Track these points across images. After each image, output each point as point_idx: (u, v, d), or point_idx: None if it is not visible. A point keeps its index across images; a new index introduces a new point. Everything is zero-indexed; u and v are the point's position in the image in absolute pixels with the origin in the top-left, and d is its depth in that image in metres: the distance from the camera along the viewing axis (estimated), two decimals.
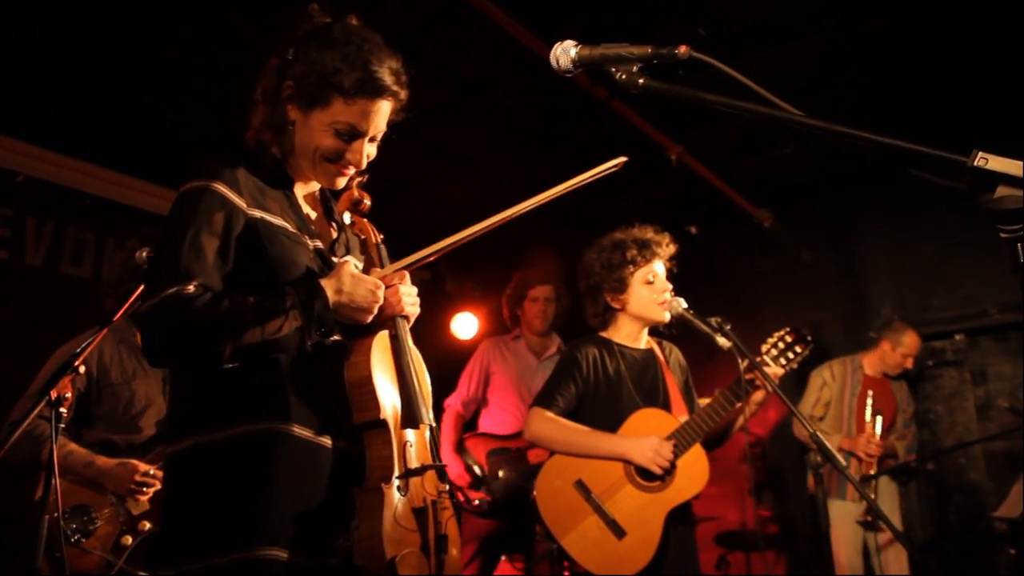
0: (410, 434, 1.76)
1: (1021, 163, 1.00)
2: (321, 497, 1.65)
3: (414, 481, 1.71)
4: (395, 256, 1.89)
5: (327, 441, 1.69)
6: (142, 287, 2.52)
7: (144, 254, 2.80)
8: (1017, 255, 1.01)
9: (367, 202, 1.92)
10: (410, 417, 1.71)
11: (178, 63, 4.30)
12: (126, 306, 2.52)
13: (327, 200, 2.00)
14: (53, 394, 2.26)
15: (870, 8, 4.03)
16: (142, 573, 2.74)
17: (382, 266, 1.89)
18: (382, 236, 1.95)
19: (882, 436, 4.82)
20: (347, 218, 1.97)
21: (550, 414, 2.93)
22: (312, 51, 1.75)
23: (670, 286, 3.04)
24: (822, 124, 1.17)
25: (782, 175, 6.10)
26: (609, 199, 5.45)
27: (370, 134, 1.80)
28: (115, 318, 2.52)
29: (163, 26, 3.98)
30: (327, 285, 1.70)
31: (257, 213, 1.73)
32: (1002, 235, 1.02)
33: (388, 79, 1.76)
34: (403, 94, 1.82)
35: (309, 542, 1.62)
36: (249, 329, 1.60)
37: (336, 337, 1.74)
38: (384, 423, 1.71)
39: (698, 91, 1.27)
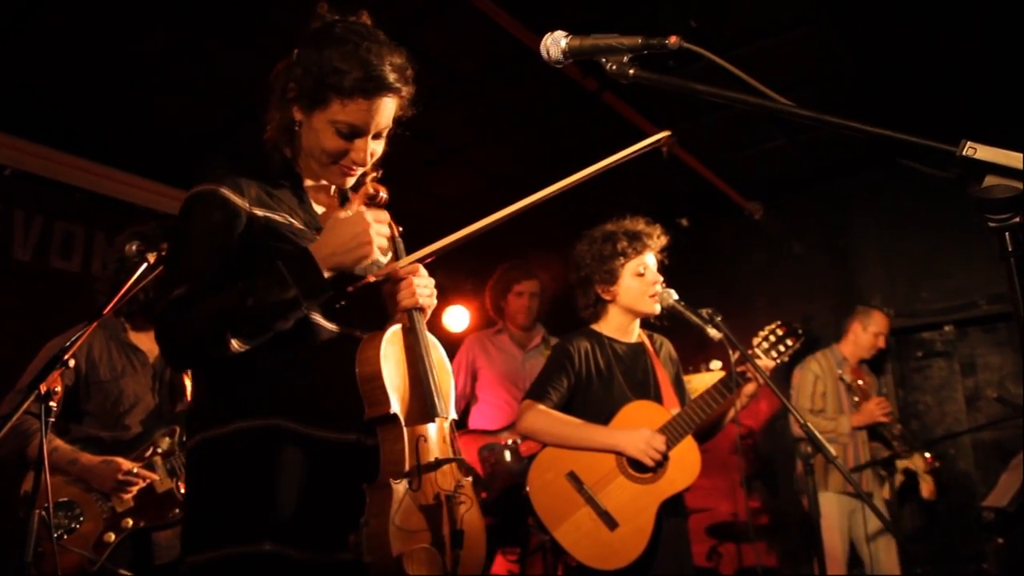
0: (427, 428, 1.75)
1: (1009, 152, 1.00)
2: (332, 493, 1.66)
3: (427, 476, 1.69)
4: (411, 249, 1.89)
5: (340, 436, 1.71)
6: (130, 282, 2.53)
7: (134, 248, 2.78)
8: (1005, 244, 1.02)
9: (383, 195, 1.90)
10: (426, 411, 1.71)
11: (168, 56, 4.27)
12: (115, 300, 2.51)
13: (344, 196, 1.99)
14: (42, 388, 2.24)
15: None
16: (124, 571, 2.73)
17: (398, 258, 1.89)
18: (400, 229, 1.94)
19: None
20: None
21: (542, 407, 2.93)
22: (313, 51, 1.76)
23: (661, 278, 3.04)
24: (812, 114, 1.17)
25: (773, 167, 6.11)
26: (600, 191, 5.46)
27: (372, 132, 1.79)
28: (104, 312, 2.50)
29: (152, 19, 3.95)
30: (312, 246, 1.71)
31: (261, 212, 1.75)
32: (990, 224, 1.02)
33: (389, 76, 1.75)
34: (406, 90, 1.82)
35: (319, 538, 1.63)
36: (246, 308, 1.62)
37: (342, 302, 1.76)
38: (395, 418, 1.69)
39: (688, 82, 1.27)
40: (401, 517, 1.60)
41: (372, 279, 1.84)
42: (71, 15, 3.89)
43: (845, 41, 4.43)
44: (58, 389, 2.29)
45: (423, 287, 1.84)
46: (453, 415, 1.83)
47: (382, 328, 1.78)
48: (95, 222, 5.19)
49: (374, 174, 1.92)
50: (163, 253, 2.59)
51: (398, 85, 1.78)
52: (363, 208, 1.77)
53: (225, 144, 5.04)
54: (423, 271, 1.86)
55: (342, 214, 1.76)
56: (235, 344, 1.62)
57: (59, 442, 2.83)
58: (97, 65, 4.33)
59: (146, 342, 3.10)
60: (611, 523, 2.79)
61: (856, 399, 4.97)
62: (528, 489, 2.89)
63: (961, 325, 5.87)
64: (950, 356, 6.00)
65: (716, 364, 3.58)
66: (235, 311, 1.62)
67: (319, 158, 1.81)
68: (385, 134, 1.85)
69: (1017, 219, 1.01)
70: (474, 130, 5.35)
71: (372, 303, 1.88)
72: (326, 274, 1.69)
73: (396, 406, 1.70)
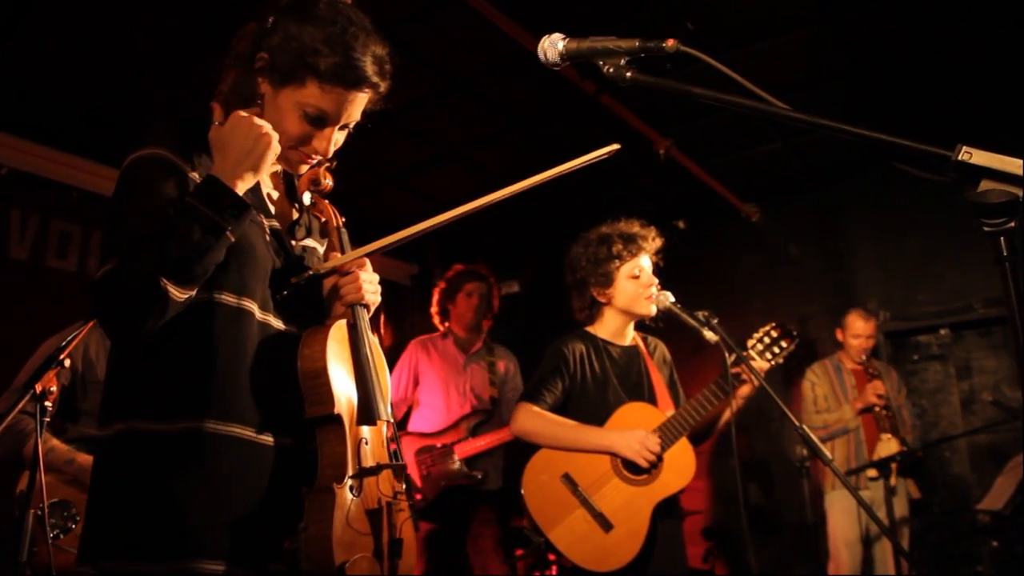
0: (366, 431, 1.65)
1: (1005, 157, 1.01)
2: (266, 500, 1.53)
3: (368, 481, 1.60)
4: (360, 242, 1.80)
5: (273, 439, 1.58)
6: None
7: None
8: (1000, 248, 1.02)
9: (328, 182, 1.78)
10: (367, 413, 1.59)
11: (168, 54, 4.27)
12: None
13: (290, 180, 1.86)
14: (38, 388, 2.24)
15: (857, 3, 4.05)
16: None
17: (342, 251, 1.78)
18: (344, 219, 1.84)
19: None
20: (307, 199, 1.84)
21: (537, 408, 2.93)
22: (292, 24, 1.62)
23: (656, 280, 3.04)
24: (808, 118, 1.18)
25: (770, 170, 6.13)
26: (597, 193, 5.46)
27: (341, 122, 1.68)
28: None
29: (151, 16, 3.95)
30: (213, 168, 1.56)
31: None
32: (985, 228, 1.03)
33: (370, 69, 1.63)
34: (384, 85, 1.70)
35: (250, 550, 1.50)
36: (171, 251, 1.45)
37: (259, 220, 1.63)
38: (338, 418, 1.59)
39: (685, 85, 1.27)
40: (344, 523, 1.50)
41: (318, 271, 1.74)
42: (68, 13, 3.89)
43: (841, 44, 4.44)
44: (53, 389, 2.29)
45: (368, 282, 1.72)
46: (391, 418, 1.70)
47: (322, 324, 1.68)
48: (93, 222, 5.17)
49: (328, 164, 1.77)
50: None
51: (376, 80, 1.67)
52: (240, 111, 1.60)
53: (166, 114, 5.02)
54: (369, 267, 1.76)
55: (222, 127, 1.60)
56: (173, 291, 1.44)
57: (55, 442, 2.82)
58: (94, 63, 4.33)
59: None
60: (606, 525, 2.79)
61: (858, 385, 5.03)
62: (523, 491, 2.89)
63: (957, 328, 5.89)
64: (946, 359, 6.01)
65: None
66: (162, 257, 1.44)
67: (279, 139, 1.62)
68: (351, 127, 1.74)
69: (1012, 223, 1.02)
70: (472, 131, 5.35)
71: (309, 298, 1.76)
72: (240, 188, 1.54)
73: (340, 405, 1.60)
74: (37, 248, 4.95)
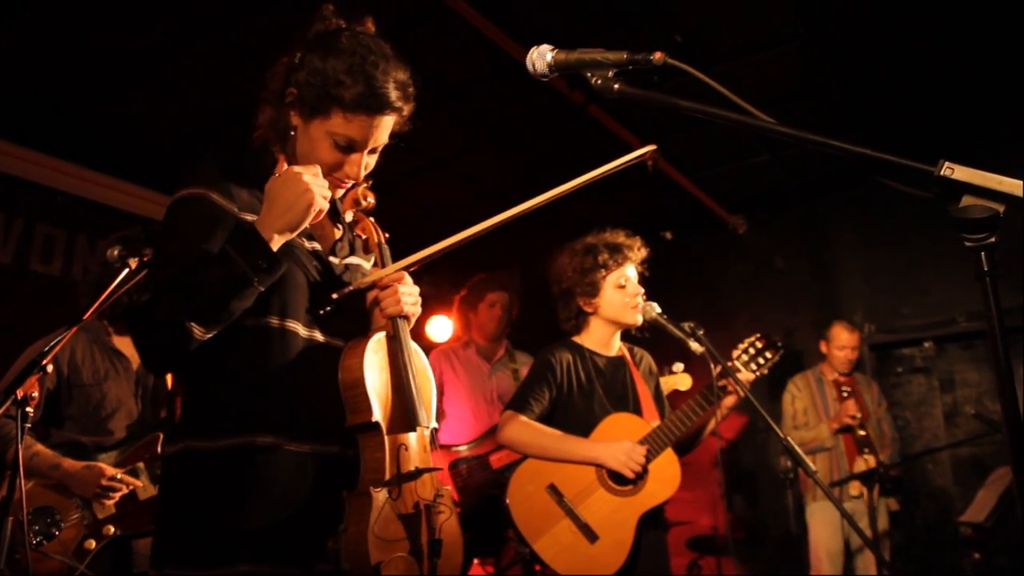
0: (408, 437, 1.74)
1: (986, 173, 1.02)
2: (312, 504, 1.64)
3: (408, 485, 1.68)
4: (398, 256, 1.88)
5: (319, 448, 1.68)
6: (112, 286, 2.51)
7: (117, 252, 2.76)
8: (981, 263, 1.03)
9: (371, 201, 1.91)
10: (407, 420, 1.70)
11: (151, 59, 4.26)
12: (96, 305, 2.49)
13: (332, 201, 1.93)
14: (19, 393, 2.22)
15: (844, 18, 4.09)
16: None
17: (383, 265, 1.87)
18: (387, 235, 1.93)
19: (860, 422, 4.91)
20: (349, 217, 1.95)
21: (524, 418, 2.93)
22: (316, 58, 1.72)
23: (642, 290, 3.05)
24: (794, 132, 1.19)
25: (757, 182, 6.16)
26: (584, 204, 5.47)
27: (369, 147, 1.79)
28: (85, 316, 2.48)
29: (136, 21, 3.94)
30: (257, 218, 1.66)
31: (249, 216, 1.69)
32: (967, 244, 1.04)
33: (392, 94, 1.74)
34: (407, 107, 1.81)
35: (296, 552, 1.61)
36: (200, 292, 1.57)
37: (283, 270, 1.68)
38: (376, 426, 1.68)
39: (673, 97, 1.28)
40: (380, 525, 1.59)
41: (357, 287, 1.82)
42: (54, 17, 3.88)
43: (827, 60, 4.48)
44: (35, 394, 2.27)
45: (408, 295, 1.81)
46: (434, 424, 1.81)
47: (363, 336, 1.76)
48: (77, 226, 5.15)
49: (365, 184, 1.91)
50: (145, 258, 2.57)
51: (400, 104, 1.77)
52: (295, 167, 1.69)
53: (212, 146, 5.01)
54: (408, 279, 1.84)
55: (275, 179, 1.69)
56: (197, 331, 1.56)
57: (39, 447, 2.80)
58: (79, 67, 4.31)
59: (129, 347, 3.08)
60: (591, 536, 2.79)
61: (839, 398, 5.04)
62: (508, 501, 2.88)
63: (940, 342, 5.94)
64: (929, 372, 6.06)
65: (679, 367, 3.57)
66: (191, 297, 1.56)
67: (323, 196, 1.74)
68: (380, 149, 1.84)
69: (993, 238, 1.03)
70: (461, 140, 5.36)
71: (356, 312, 1.85)
72: (277, 241, 1.63)
73: (378, 414, 1.68)
74: (21, 252, 4.92)
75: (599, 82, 1.33)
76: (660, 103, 1.28)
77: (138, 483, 2.85)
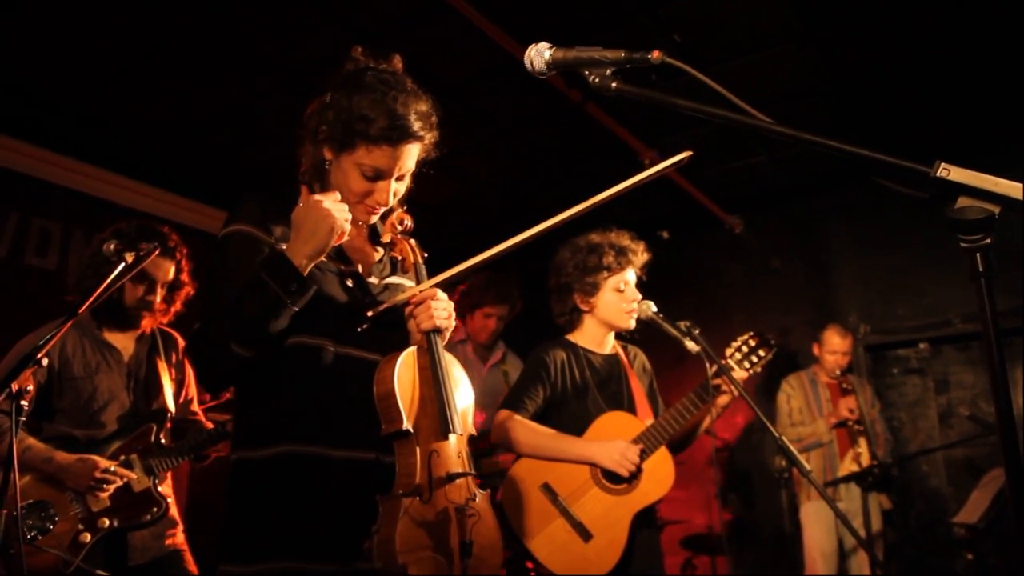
0: (441, 443, 1.83)
1: (981, 175, 1.02)
2: (351, 507, 1.77)
3: (440, 489, 1.78)
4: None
5: (355, 455, 1.82)
6: (107, 281, 2.51)
7: (112, 247, 2.75)
8: (976, 264, 1.03)
9: (408, 223, 2.04)
10: (440, 428, 1.81)
11: (150, 52, 4.25)
12: (91, 299, 2.48)
13: (372, 225, 2.10)
14: (14, 387, 2.21)
15: (841, 19, 4.09)
16: (100, 572, 2.70)
17: (419, 283, 1.98)
18: (425, 255, 2.04)
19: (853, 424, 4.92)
20: (388, 238, 2.07)
21: (518, 417, 2.93)
22: (343, 97, 1.86)
23: (639, 296, 3.04)
24: (791, 132, 1.19)
25: (754, 182, 6.17)
26: (581, 202, 5.47)
27: (395, 175, 1.91)
28: (80, 311, 2.47)
29: (134, 15, 3.93)
30: (286, 244, 1.81)
31: (285, 247, 1.84)
32: (963, 245, 1.04)
33: (413, 125, 1.86)
34: (430, 136, 1.94)
35: (335, 550, 1.75)
36: (241, 317, 1.74)
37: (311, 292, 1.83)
38: (408, 433, 1.80)
39: (670, 96, 1.28)
40: (408, 527, 1.70)
41: (392, 304, 1.93)
42: (51, 10, 3.87)
43: (825, 59, 4.48)
44: (30, 388, 2.26)
45: (441, 309, 1.92)
46: (470, 431, 1.93)
47: (397, 350, 1.88)
48: (73, 220, 5.14)
49: (402, 208, 2.05)
50: (141, 253, 2.57)
51: (422, 133, 1.90)
52: (317, 196, 1.84)
53: (251, 190, 5.01)
54: (441, 294, 1.95)
55: (299, 208, 1.85)
56: (240, 351, 1.74)
57: (32, 440, 2.79)
58: (75, 61, 4.30)
59: (120, 340, 3.08)
60: (585, 535, 2.79)
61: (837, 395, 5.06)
62: (502, 500, 2.89)
63: (935, 343, 5.95)
64: (924, 373, 6.07)
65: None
66: (233, 322, 1.74)
67: (346, 196, 1.90)
68: (408, 176, 1.98)
69: (988, 240, 1.03)
70: (458, 139, 5.35)
71: (399, 327, 1.97)
72: (306, 264, 1.77)
73: (408, 422, 1.80)
74: (16, 245, 4.91)
75: (597, 80, 1.33)
76: (658, 102, 1.29)
77: (132, 475, 2.85)
